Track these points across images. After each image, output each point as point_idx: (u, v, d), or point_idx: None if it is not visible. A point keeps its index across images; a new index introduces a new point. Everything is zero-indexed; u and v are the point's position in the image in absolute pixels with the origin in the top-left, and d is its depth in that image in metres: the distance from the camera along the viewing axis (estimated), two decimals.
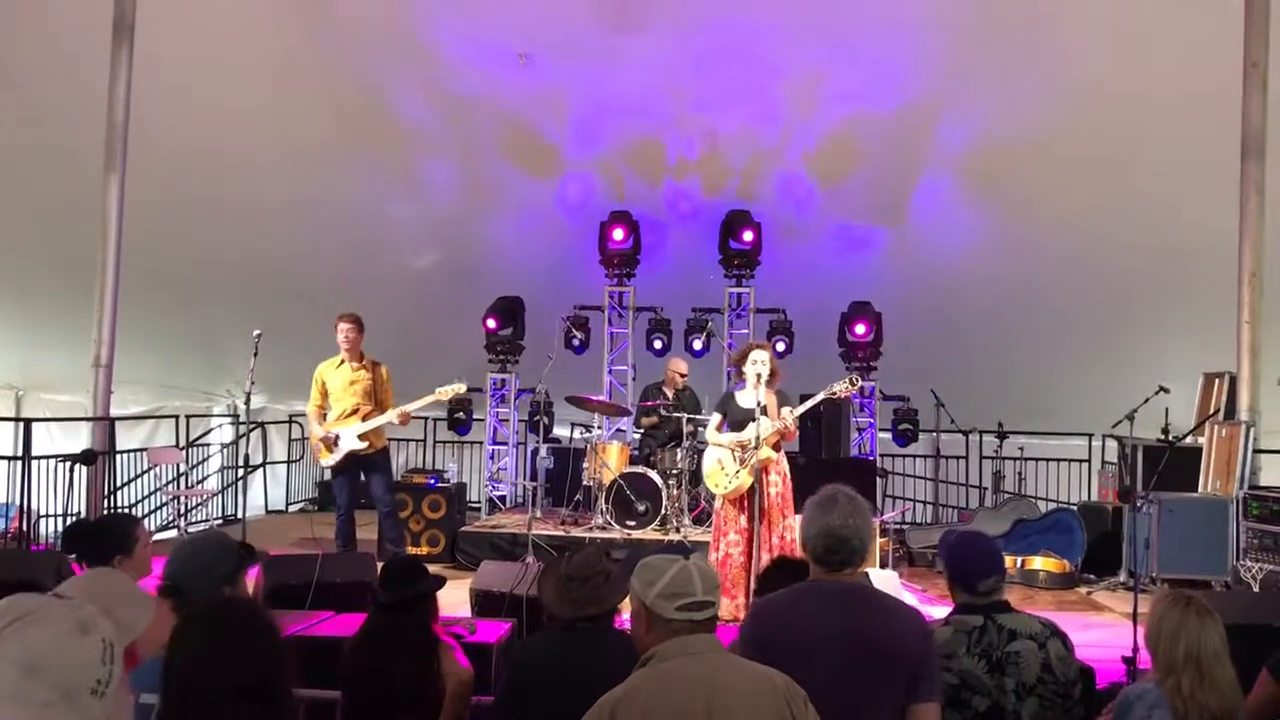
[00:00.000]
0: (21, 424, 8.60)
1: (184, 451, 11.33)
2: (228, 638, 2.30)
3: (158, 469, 10.90)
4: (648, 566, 2.62)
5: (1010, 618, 3.44)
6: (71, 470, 6.71)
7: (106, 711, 1.30)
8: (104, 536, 3.73)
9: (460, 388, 8.08)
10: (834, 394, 6.97)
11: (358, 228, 12.26)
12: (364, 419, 7.79)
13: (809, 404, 7.02)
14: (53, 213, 11.04)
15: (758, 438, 6.60)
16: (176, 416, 11.94)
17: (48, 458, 8.46)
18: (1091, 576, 8.74)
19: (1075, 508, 9.78)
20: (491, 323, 11.36)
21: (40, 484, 8.64)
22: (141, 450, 10.77)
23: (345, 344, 7.87)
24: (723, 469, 6.94)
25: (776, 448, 6.90)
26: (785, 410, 6.89)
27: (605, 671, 3.32)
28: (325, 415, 7.92)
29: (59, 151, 10.49)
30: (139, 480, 10.68)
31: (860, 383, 6.99)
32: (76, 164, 9.92)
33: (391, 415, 7.80)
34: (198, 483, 11.79)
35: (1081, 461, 12.12)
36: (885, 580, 6.25)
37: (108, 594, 1.74)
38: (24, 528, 8.49)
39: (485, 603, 5.74)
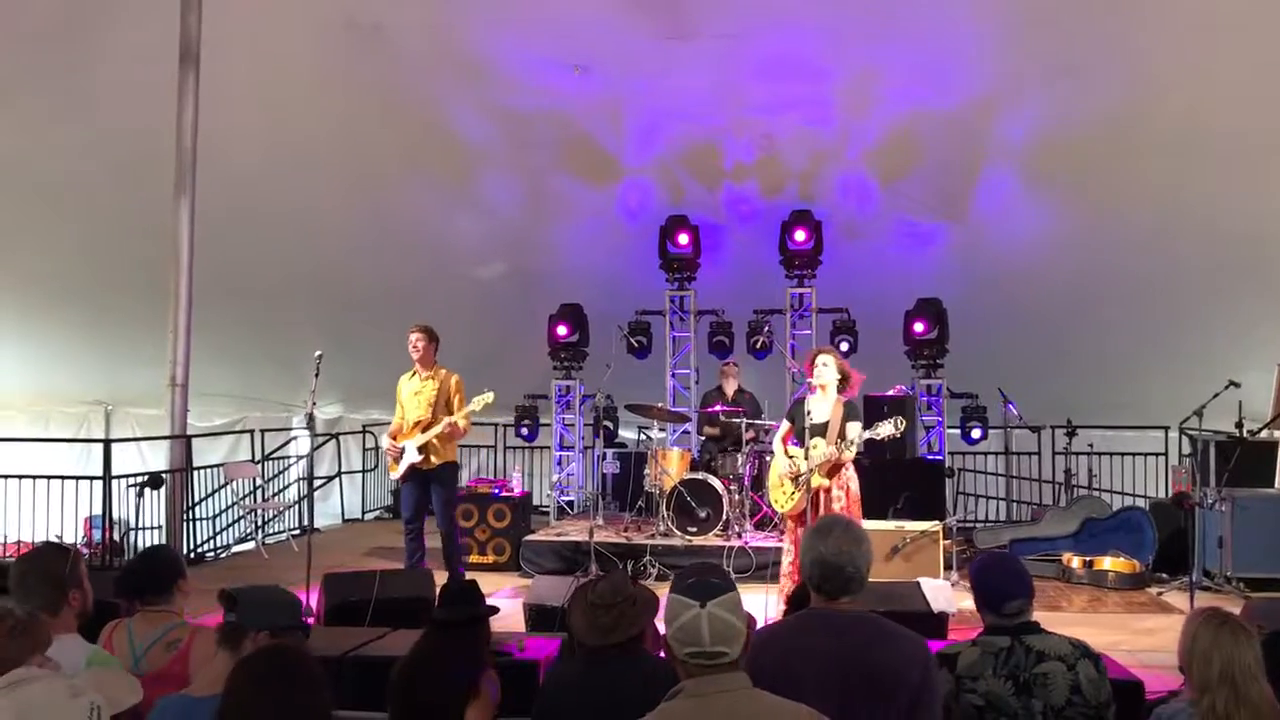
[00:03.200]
0: (103, 445, 8.92)
1: (259, 465, 11.63)
2: (283, 684, 2.40)
3: (235, 482, 11.23)
4: (670, 604, 2.62)
5: (1039, 639, 3.41)
6: (141, 493, 6.96)
7: None
8: (160, 572, 3.87)
9: (489, 397, 7.92)
10: (878, 436, 6.72)
11: (424, 242, 12.54)
12: (424, 430, 7.81)
13: (856, 441, 6.75)
14: (130, 234, 11.47)
15: (810, 465, 6.57)
16: (252, 431, 12.27)
17: (124, 477, 8.77)
18: (1164, 576, 8.54)
19: (1146, 505, 9.57)
20: (562, 329, 11.50)
21: (121, 499, 8.98)
22: (219, 466, 11.10)
23: (414, 354, 7.91)
24: (782, 486, 6.93)
25: (834, 473, 6.72)
26: (852, 431, 6.66)
27: (636, 697, 3.36)
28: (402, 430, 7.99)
29: (133, 175, 10.90)
30: (217, 494, 11.01)
31: (904, 426, 6.73)
32: (151, 187, 10.28)
33: (438, 429, 7.75)
34: (274, 495, 12.10)
35: (1158, 455, 11.83)
36: (936, 590, 6.19)
37: (103, 679, 1.90)
38: (106, 541, 8.83)
39: (539, 617, 5.84)
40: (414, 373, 8.01)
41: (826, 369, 6.85)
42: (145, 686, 3.54)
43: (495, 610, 4.10)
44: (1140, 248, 11.11)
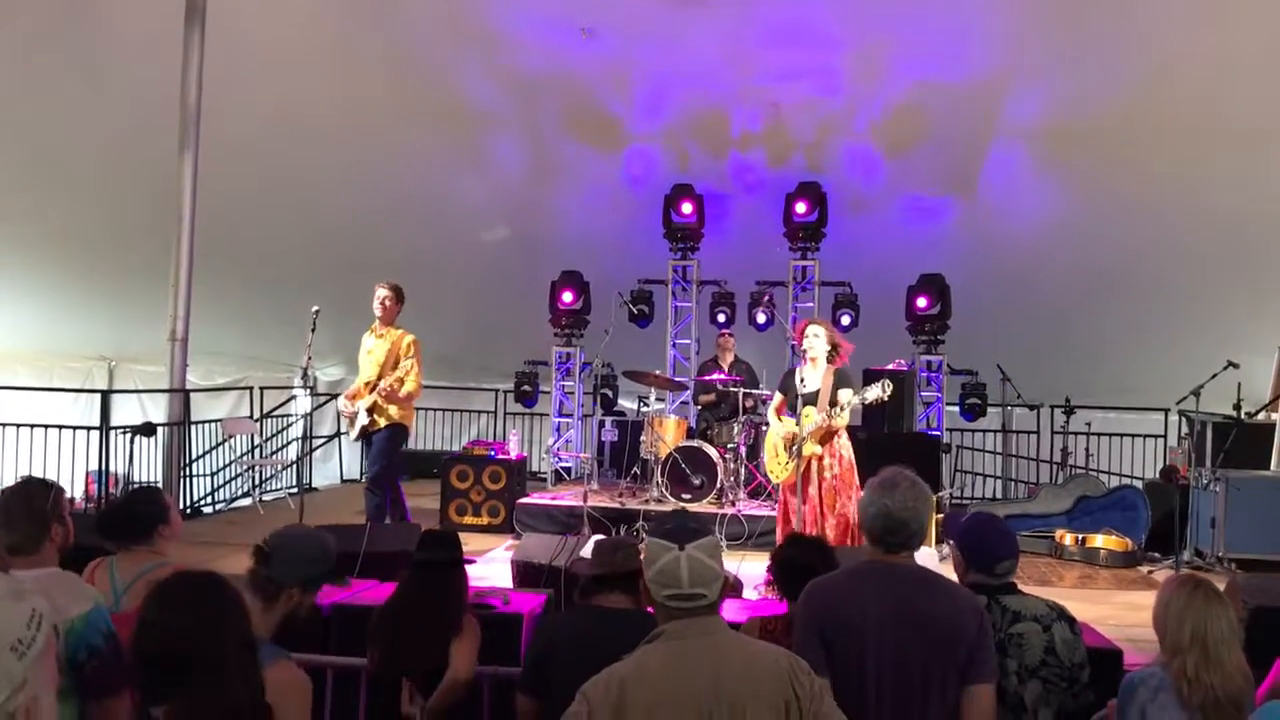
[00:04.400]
0: (101, 395, 8.94)
1: (259, 423, 11.66)
2: (181, 606, 2.40)
3: (234, 439, 11.26)
4: (649, 548, 2.66)
5: (1015, 599, 3.41)
6: (132, 441, 6.97)
7: (27, 673, 1.40)
8: (141, 514, 3.84)
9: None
10: (865, 401, 6.71)
11: (428, 205, 12.49)
12: (372, 391, 7.59)
13: (848, 406, 6.75)
14: (135, 192, 11.45)
15: (804, 434, 6.56)
16: (251, 389, 12.29)
17: (120, 429, 8.79)
18: (1156, 555, 8.54)
19: (1140, 485, 9.56)
20: (568, 296, 11.47)
21: (120, 451, 9.02)
22: (218, 421, 11.13)
23: (378, 310, 7.67)
24: (777, 456, 6.95)
25: (825, 441, 6.73)
26: (843, 398, 6.69)
27: (631, 650, 3.41)
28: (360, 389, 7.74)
29: (140, 133, 10.87)
30: (216, 451, 11.05)
31: (890, 388, 6.72)
32: (158, 144, 10.26)
33: (373, 396, 7.52)
34: (273, 454, 12.14)
35: (1157, 438, 11.81)
36: (923, 559, 6.16)
37: (53, 584, 1.91)
38: (106, 494, 8.87)
39: (525, 574, 5.86)
40: (372, 329, 7.79)
41: (818, 340, 6.85)
42: (124, 624, 3.57)
43: (470, 561, 4.15)
44: (1147, 230, 11.05)
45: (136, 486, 4.69)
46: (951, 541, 3.64)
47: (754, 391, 9.75)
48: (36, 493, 3.61)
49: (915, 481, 3.16)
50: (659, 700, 2.40)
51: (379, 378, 7.56)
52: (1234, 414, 8.58)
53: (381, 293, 7.68)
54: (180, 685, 2.25)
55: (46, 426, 9.21)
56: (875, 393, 6.61)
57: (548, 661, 3.47)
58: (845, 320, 10.83)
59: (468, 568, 4.27)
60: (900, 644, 2.91)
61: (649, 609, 3.63)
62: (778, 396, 7.18)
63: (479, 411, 14.07)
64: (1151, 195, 10.77)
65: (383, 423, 7.60)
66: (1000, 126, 11.24)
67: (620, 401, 12.25)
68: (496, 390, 13.72)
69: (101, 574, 3.73)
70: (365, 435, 7.70)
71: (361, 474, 13.28)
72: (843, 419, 6.71)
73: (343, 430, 13.43)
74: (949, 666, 2.92)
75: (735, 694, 2.42)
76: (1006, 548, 3.51)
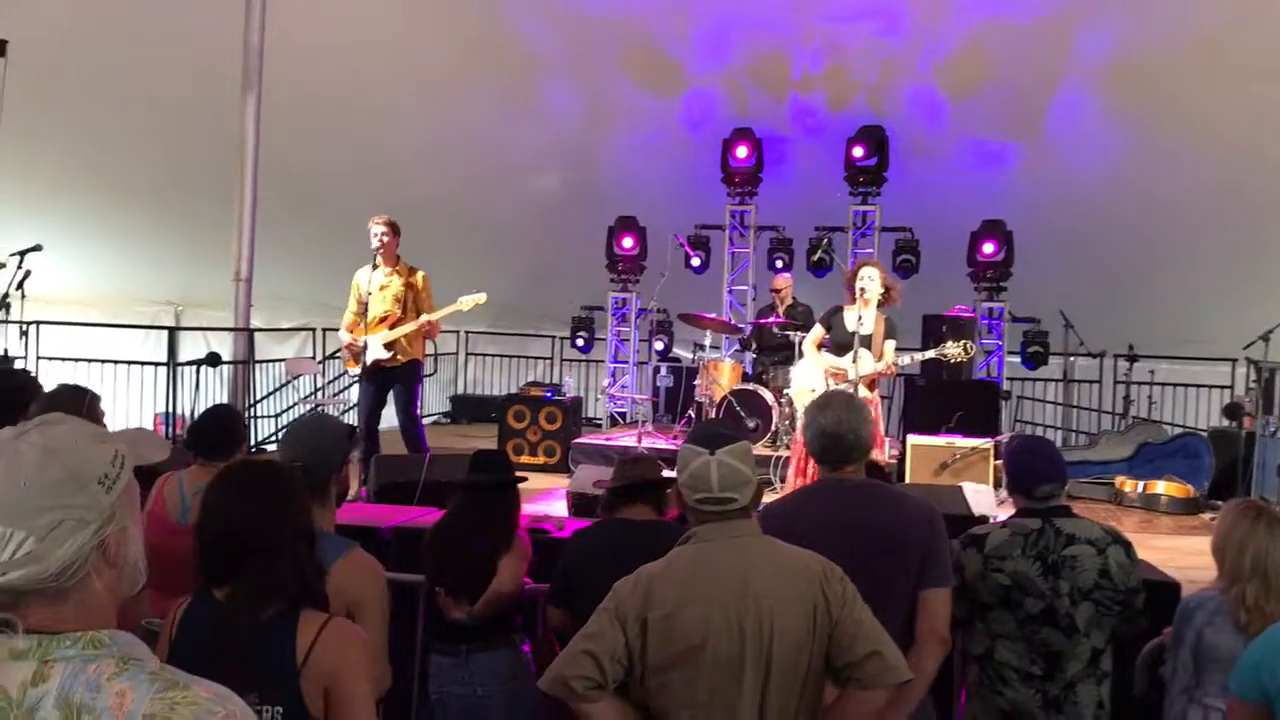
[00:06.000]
0: (169, 331, 9.15)
1: (321, 364, 11.83)
2: (244, 492, 2.48)
3: (298, 380, 11.45)
4: (681, 454, 2.68)
5: (1070, 522, 3.39)
6: (198, 371, 7.13)
7: (114, 506, 1.50)
8: (230, 430, 3.96)
9: (480, 298, 7.51)
10: (944, 355, 6.66)
11: (484, 150, 12.51)
12: (392, 327, 7.38)
13: (916, 357, 6.77)
14: (202, 138, 11.60)
15: (857, 376, 6.52)
16: (313, 329, 12.48)
17: (187, 364, 9.00)
18: (1219, 503, 8.38)
19: (1205, 433, 9.40)
20: (628, 241, 11.46)
21: (186, 390, 9.24)
22: (280, 360, 11.29)
23: (379, 247, 7.47)
24: (813, 394, 6.85)
25: (871, 386, 6.69)
26: (889, 350, 6.65)
27: (654, 559, 3.47)
28: (360, 324, 7.50)
29: (205, 75, 11.00)
30: (280, 391, 11.25)
31: (974, 350, 6.64)
32: (221, 88, 10.36)
33: (412, 326, 7.34)
34: (336, 394, 12.33)
35: (1224, 389, 11.57)
36: (978, 495, 6.15)
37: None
38: (170, 433, 9.09)
39: (580, 504, 5.96)
40: (375, 266, 7.56)
41: (872, 283, 6.76)
42: (189, 535, 3.67)
43: (523, 479, 4.22)
44: (1215, 174, 10.77)
45: (221, 404, 4.80)
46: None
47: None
48: (70, 399, 3.68)
49: (850, 399, 3.26)
50: (685, 598, 2.45)
51: (402, 315, 7.43)
52: None
53: (378, 229, 7.48)
54: (238, 568, 2.33)
55: (116, 362, 9.45)
56: (954, 350, 6.57)
57: (574, 573, 3.59)
58: (905, 266, 10.70)
59: (523, 492, 4.33)
60: (850, 553, 2.89)
61: (669, 517, 3.73)
62: (819, 330, 7.06)
63: (535, 358, 14.18)
64: (1225, 140, 10.48)
65: (403, 359, 7.47)
66: (1066, 68, 10.99)
67: (675, 349, 12.26)
68: (553, 337, 13.81)
69: (171, 487, 3.82)
70: (377, 370, 7.48)
71: (423, 416, 13.53)
72: (895, 367, 6.71)
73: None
74: (899, 573, 2.99)
75: (763, 595, 2.46)
76: (1048, 471, 3.47)
